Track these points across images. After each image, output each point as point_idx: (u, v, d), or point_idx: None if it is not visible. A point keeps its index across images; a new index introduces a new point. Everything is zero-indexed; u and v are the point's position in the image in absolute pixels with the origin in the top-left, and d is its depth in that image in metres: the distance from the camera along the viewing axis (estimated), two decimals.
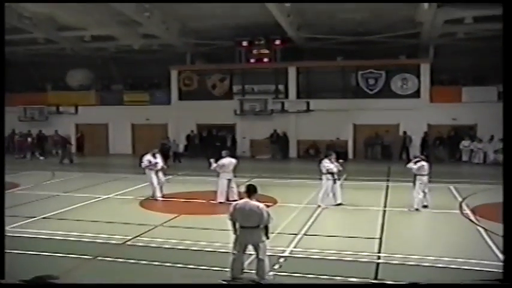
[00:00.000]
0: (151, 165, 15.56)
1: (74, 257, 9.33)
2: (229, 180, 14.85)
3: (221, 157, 15.13)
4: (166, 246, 10.15)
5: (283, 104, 28.29)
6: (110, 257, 9.43)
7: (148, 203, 15.00)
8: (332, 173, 14.00)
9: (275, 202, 14.50)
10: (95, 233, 11.08)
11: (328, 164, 14.05)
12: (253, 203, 7.87)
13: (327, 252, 9.58)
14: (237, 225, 7.92)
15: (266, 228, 7.86)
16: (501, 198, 6.38)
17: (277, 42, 27.60)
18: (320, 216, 13.08)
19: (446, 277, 8.32)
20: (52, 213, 13.34)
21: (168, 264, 8.95)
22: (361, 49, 27.28)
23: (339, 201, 14.15)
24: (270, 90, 28.95)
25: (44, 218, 12.86)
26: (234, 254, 7.90)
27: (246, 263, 8.11)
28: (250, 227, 7.78)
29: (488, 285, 7.83)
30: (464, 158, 25.90)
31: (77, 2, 20.52)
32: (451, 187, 16.91)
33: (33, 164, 26.20)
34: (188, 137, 29.12)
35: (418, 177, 13.54)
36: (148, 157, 15.73)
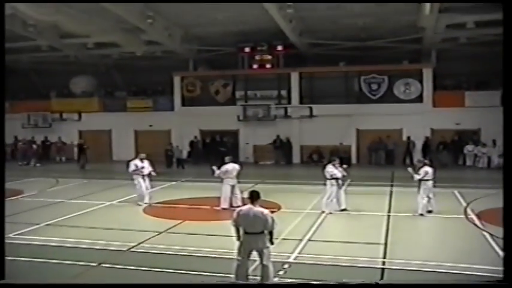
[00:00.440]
0: (138, 170, 15.68)
1: (78, 264, 9.32)
2: (233, 186, 14.84)
3: (224, 163, 15.13)
4: (170, 252, 10.14)
5: (286, 109, 28.31)
6: (114, 264, 9.42)
7: (151, 209, 14.99)
8: (336, 179, 13.98)
9: (279, 208, 14.47)
10: (99, 239, 11.08)
11: (332, 170, 14.02)
12: (257, 208, 7.85)
13: (332, 258, 9.54)
14: (241, 231, 7.90)
15: (270, 234, 7.85)
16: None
17: (280, 48, 27.63)
18: (324, 221, 13.05)
19: (451, 282, 8.28)
20: (55, 220, 13.35)
21: (171, 270, 8.94)
22: (363, 54, 27.31)
23: (343, 207, 14.11)
24: (272, 96, 28.98)
25: (47, 225, 12.87)
26: (238, 260, 7.87)
27: (251, 269, 8.09)
28: (255, 233, 7.76)
29: (488, 285, 7.80)
30: (469, 162, 25.86)
31: (77, 2, 20.58)
32: (456, 192, 16.86)
33: (37, 170, 26.22)
34: (192, 143, 29.12)
35: (422, 182, 13.50)
36: (135, 162, 15.92)
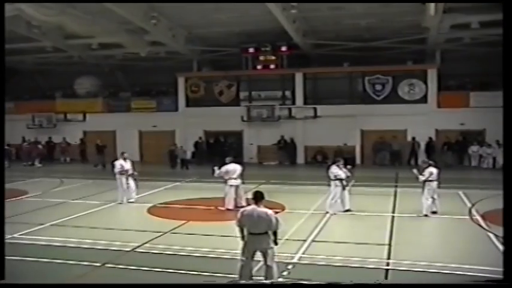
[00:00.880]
0: (124, 171, 16.02)
1: (82, 264, 9.34)
2: (237, 187, 14.83)
3: (225, 163, 15.14)
4: (174, 252, 10.15)
5: (290, 110, 28.30)
6: (119, 264, 9.43)
7: (155, 209, 15.00)
8: (340, 179, 13.95)
9: (283, 208, 14.45)
10: (103, 240, 11.11)
11: (336, 170, 14.00)
12: (261, 209, 7.85)
13: (336, 259, 9.53)
14: (245, 232, 7.89)
15: (275, 234, 7.84)
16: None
17: (284, 48, 27.60)
18: (328, 222, 13.03)
19: (457, 282, 8.26)
20: (60, 220, 13.38)
21: (175, 270, 8.94)
22: (367, 55, 27.27)
23: (347, 208, 14.09)
24: (276, 96, 28.99)
25: (52, 225, 12.90)
26: (242, 260, 7.87)
27: (255, 269, 8.08)
28: (259, 234, 7.75)
29: (488, 285, 7.77)
30: (474, 163, 25.78)
31: (82, 2, 20.64)
32: (460, 193, 16.81)
33: (41, 171, 26.30)
34: (196, 144, 29.14)
35: (426, 183, 13.48)
36: (120, 162, 16.26)
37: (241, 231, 7.95)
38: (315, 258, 9.64)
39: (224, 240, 10.74)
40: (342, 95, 28.31)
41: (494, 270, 8.52)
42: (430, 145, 26.07)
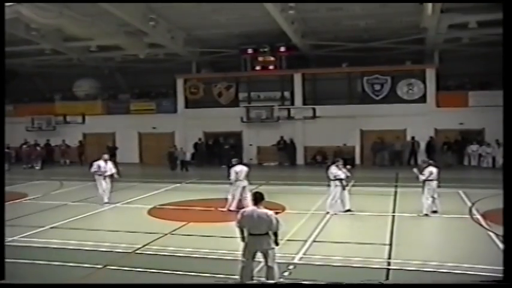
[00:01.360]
0: (101, 171, 16.12)
1: (82, 266, 9.35)
2: (244, 188, 14.80)
3: (232, 165, 15.17)
4: (175, 254, 10.15)
5: (289, 111, 28.30)
6: (119, 266, 9.43)
7: (156, 211, 15.01)
8: (340, 180, 13.97)
9: (283, 209, 14.45)
10: (103, 241, 11.11)
11: (336, 171, 14.02)
12: (261, 210, 7.85)
13: (336, 259, 9.55)
14: (246, 233, 7.90)
15: (275, 235, 7.85)
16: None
17: (283, 49, 27.61)
18: (329, 222, 13.05)
19: (456, 282, 8.27)
20: (60, 223, 13.37)
21: (176, 272, 8.95)
22: (366, 55, 27.30)
23: (347, 208, 14.11)
24: (276, 97, 29.01)
25: (52, 227, 12.89)
26: (243, 261, 7.87)
27: (255, 270, 8.09)
28: (259, 234, 7.76)
29: (489, 285, 7.78)
30: (473, 162, 25.81)
31: (80, 2, 20.66)
32: (460, 192, 16.82)
33: (41, 173, 26.29)
34: (196, 145, 29.15)
35: (426, 182, 13.50)
36: (98, 163, 16.36)
37: (242, 232, 7.96)
38: (316, 258, 9.65)
39: (225, 242, 10.75)
40: (341, 96, 28.32)
41: (495, 269, 8.54)
42: (430, 144, 26.10)
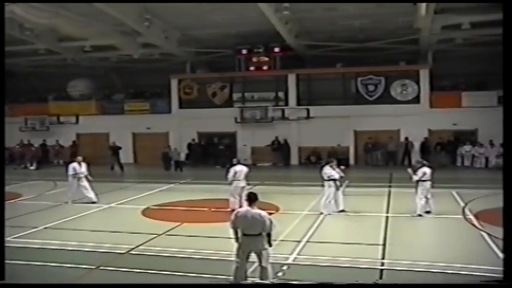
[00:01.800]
0: (76, 174, 16.48)
1: (76, 267, 9.33)
2: (243, 188, 14.76)
3: (232, 165, 15.19)
4: (169, 254, 10.14)
5: (283, 111, 28.32)
6: (113, 267, 9.42)
7: (149, 211, 14.99)
8: (334, 180, 14.00)
9: (277, 209, 14.48)
10: (97, 242, 11.08)
11: (329, 171, 14.05)
12: (255, 210, 7.86)
13: (330, 259, 9.57)
14: (239, 233, 7.91)
15: (269, 235, 7.86)
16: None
17: (277, 49, 27.64)
18: (323, 223, 13.07)
19: (449, 282, 8.32)
20: (54, 223, 13.34)
21: (170, 272, 8.95)
22: (360, 56, 27.37)
23: (341, 208, 14.14)
24: (270, 97, 29.00)
25: (46, 228, 12.86)
26: (237, 262, 7.88)
27: (249, 270, 8.10)
28: (253, 235, 7.77)
29: (488, 285, 7.83)
30: (466, 163, 25.92)
31: (75, 2, 20.59)
32: (454, 192, 16.90)
33: (34, 174, 26.19)
34: (190, 146, 29.14)
35: (420, 182, 13.55)
36: (73, 165, 16.74)
37: (236, 232, 7.96)
38: (310, 258, 9.67)
39: (219, 242, 10.75)
40: (335, 96, 28.36)
41: (487, 269, 8.61)
42: (424, 145, 26.20)
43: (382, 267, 9.13)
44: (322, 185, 14.26)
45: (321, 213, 13.81)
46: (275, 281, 8.11)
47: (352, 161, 27.43)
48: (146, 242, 11.15)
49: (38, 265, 9.55)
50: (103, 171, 26.75)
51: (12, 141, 30.73)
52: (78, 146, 30.66)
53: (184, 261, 9.73)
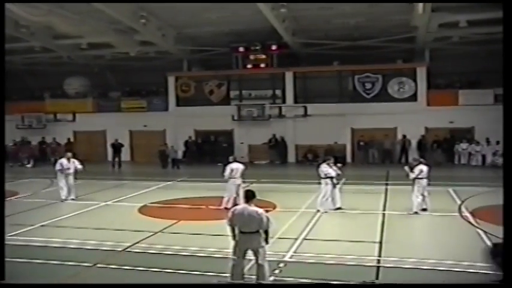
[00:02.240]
0: (63, 169, 16.48)
1: (73, 265, 9.31)
2: (239, 186, 14.76)
3: (228, 162, 15.17)
4: (166, 252, 10.15)
5: (280, 109, 28.32)
6: (110, 264, 9.41)
7: (146, 209, 14.97)
8: (331, 177, 14.01)
9: (274, 207, 14.49)
10: (93, 240, 11.07)
11: (326, 169, 14.06)
12: (252, 208, 7.87)
13: (327, 257, 9.57)
14: (236, 231, 7.91)
15: (266, 233, 7.86)
16: (500, 201, 6.40)
17: (274, 47, 27.60)
18: (319, 220, 13.08)
19: (446, 280, 8.33)
20: (50, 221, 13.33)
21: (167, 270, 8.94)
22: (357, 54, 27.34)
23: (338, 206, 14.15)
24: (267, 95, 29.01)
25: (42, 225, 12.84)
26: (233, 259, 7.89)
27: (246, 268, 8.10)
28: (250, 232, 7.77)
29: (488, 285, 7.84)
30: (463, 160, 25.98)
31: (71, 1, 20.52)
32: (450, 190, 16.93)
33: (31, 172, 26.12)
34: (186, 143, 29.11)
35: (416, 180, 13.58)
36: (61, 161, 16.83)
37: (233, 230, 7.97)
38: (306, 256, 9.68)
39: (215, 240, 10.74)
40: (332, 94, 28.35)
41: (483, 266, 8.60)
42: (421, 143, 26.24)
43: (379, 265, 9.14)
44: (319, 183, 14.27)
45: (318, 211, 13.82)
46: (272, 278, 8.11)
47: (349, 158, 27.47)
48: (143, 239, 11.13)
49: (35, 263, 9.51)
50: (99, 169, 26.79)
51: (7, 139, 30.64)
52: (73, 144, 30.60)
53: (180, 258, 9.72)
